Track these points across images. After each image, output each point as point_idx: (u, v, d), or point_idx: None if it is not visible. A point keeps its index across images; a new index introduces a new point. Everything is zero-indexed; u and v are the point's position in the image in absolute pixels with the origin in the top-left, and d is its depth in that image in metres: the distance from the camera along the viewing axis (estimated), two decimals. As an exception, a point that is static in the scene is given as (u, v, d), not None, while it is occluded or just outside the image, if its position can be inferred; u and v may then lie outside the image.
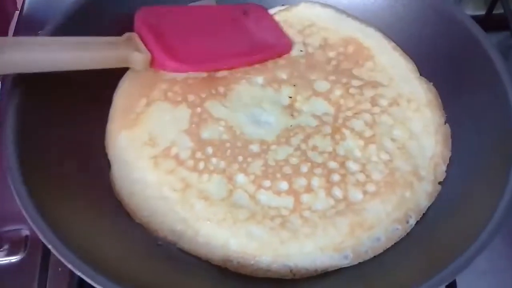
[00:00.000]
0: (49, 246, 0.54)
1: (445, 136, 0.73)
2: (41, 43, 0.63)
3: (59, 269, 0.69)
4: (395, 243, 0.65)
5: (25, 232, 0.72)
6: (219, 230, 0.64)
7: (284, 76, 0.78)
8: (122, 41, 0.70)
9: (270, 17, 0.84)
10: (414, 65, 0.80)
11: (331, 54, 0.81)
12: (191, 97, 0.74)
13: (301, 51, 0.81)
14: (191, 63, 0.75)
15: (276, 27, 0.83)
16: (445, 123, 0.74)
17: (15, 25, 0.96)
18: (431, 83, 0.78)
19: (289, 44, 0.81)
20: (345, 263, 0.63)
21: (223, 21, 0.82)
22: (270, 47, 0.80)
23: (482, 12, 0.95)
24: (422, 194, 0.68)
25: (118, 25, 0.73)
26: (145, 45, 0.71)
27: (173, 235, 0.64)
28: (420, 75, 0.79)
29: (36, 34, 0.69)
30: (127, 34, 0.72)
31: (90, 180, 0.67)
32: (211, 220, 0.64)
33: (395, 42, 0.81)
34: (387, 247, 0.64)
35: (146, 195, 0.67)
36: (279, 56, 0.80)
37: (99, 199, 0.66)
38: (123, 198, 0.67)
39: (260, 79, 0.78)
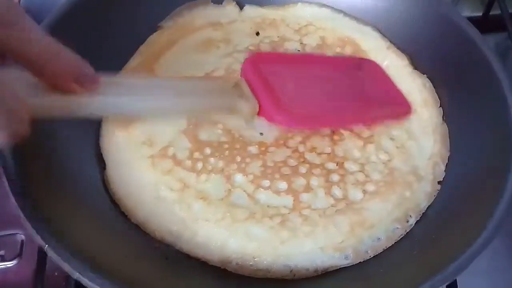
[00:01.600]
0: (45, 246, 0.52)
1: (443, 136, 0.73)
2: (141, 86, 0.57)
3: (55, 273, 0.68)
4: (395, 243, 0.64)
5: (21, 237, 0.71)
6: (218, 230, 0.62)
7: (282, 77, 0.77)
8: (230, 88, 0.64)
9: (387, 76, 0.77)
10: (407, 59, 0.79)
11: (329, 53, 0.80)
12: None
13: (298, 50, 0.81)
14: (300, 119, 0.68)
15: (393, 87, 0.75)
16: (443, 122, 0.74)
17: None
18: (425, 75, 0.78)
19: (409, 107, 0.73)
20: (345, 263, 0.62)
21: (337, 74, 0.74)
22: (387, 106, 0.73)
23: (479, 13, 0.95)
24: (422, 194, 0.68)
25: (119, 23, 0.72)
26: (253, 93, 0.65)
27: (171, 236, 0.63)
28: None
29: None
30: (234, 80, 0.66)
31: (86, 180, 0.66)
32: (210, 220, 0.63)
33: (392, 43, 0.81)
34: (388, 246, 0.64)
35: (143, 195, 0.66)
36: (397, 119, 0.72)
37: (95, 199, 0.65)
38: (120, 198, 0.66)
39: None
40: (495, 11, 0.92)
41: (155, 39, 0.81)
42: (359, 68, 0.75)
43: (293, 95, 0.67)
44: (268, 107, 0.65)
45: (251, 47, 0.81)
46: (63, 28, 0.67)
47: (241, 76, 0.68)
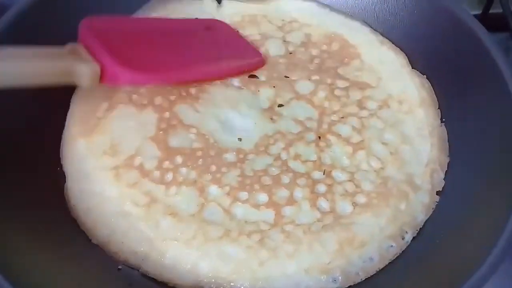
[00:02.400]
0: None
1: (441, 139, 0.67)
2: None
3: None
4: (389, 263, 0.58)
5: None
6: (188, 251, 0.56)
7: (262, 77, 0.71)
8: (65, 53, 0.58)
9: (237, 33, 0.76)
10: (405, 58, 0.73)
11: (314, 52, 0.74)
12: (158, 100, 0.67)
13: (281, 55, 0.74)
14: (150, 73, 0.63)
15: (244, 42, 0.75)
16: (441, 124, 0.68)
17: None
18: (424, 76, 0.71)
19: (261, 58, 0.73)
20: (333, 286, 0.56)
21: (183, 33, 0.73)
22: (239, 59, 0.73)
23: (478, 11, 0.88)
24: (418, 206, 0.61)
25: (83, 15, 0.65)
26: (93, 56, 0.59)
27: (136, 257, 0.57)
28: (412, 68, 0.72)
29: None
30: (70, 45, 0.59)
31: (41, 194, 0.59)
32: (179, 239, 0.57)
33: (384, 37, 0.74)
34: (381, 267, 0.58)
35: (105, 211, 0.59)
36: (251, 70, 0.71)
37: (51, 215, 0.58)
38: (79, 214, 0.59)
39: (236, 81, 0.71)
40: (495, 10, 0.86)
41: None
42: (207, 28, 0.75)
43: (137, 54, 0.63)
44: (111, 67, 0.58)
45: (229, 47, 0.75)
46: (23, 25, 0.62)
47: (78, 41, 0.60)
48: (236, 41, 0.75)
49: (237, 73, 0.71)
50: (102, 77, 0.58)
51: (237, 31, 0.76)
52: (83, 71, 0.57)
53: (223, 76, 0.70)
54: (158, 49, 0.67)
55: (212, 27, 0.75)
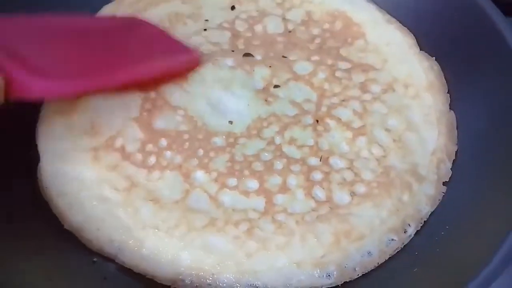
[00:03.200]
0: None
1: (449, 126, 0.62)
2: None
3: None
4: (390, 258, 0.54)
5: None
6: (169, 240, 0.52)
7: (258, 56, 0.66)
8: None
9: (163, 32, 0.68)
10: (413, 38, 0.68)
11: (315, 31, 0.70)
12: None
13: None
14: (68, 80, 0.53)
15: (173, 40, 0.67)
16: (449, 110, 0.63)
17: None
18: (433, 58, 0.67)
19: (196, 56, 0.66)
20: (327, 282, 0.52)
21: (103, 32, 0.64)
22: (170, 57, 0.65)
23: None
24: (423, 197, 0.57)
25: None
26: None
27: (112, 246, 0.53)
28: (420, 50, 0.68)
29: None
30: None
31: (11, 174, 0.55)
32: (160, 228, 0.53)
33: (391, 16, 0.70)
34: (380, 263, 0.54)
35: (81, 195, 0.55)
36: (187, 69, 0.64)
37: (20, 197, 0.54)
38: (52, 197, 0.55)
39: (229, 61, 0.66)
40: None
41: (111, 11, 0.71)
42: (130, 28, 0.66)
43: (50, 60, 0.53)
44: (17, 77, 0.48)
45: (224, 24, 0.71)
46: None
47: None
48: (164, 39, 0.68)
49: (170, 73, 0.64)
50: (9, 90, 0.48)
51: (162, 30, 0.69)
52: None
53: (154, 77, 0.63)
54: (76, 52, 0.57)
55: (134, 26, 0.67)
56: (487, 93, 0.61)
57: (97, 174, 0.56)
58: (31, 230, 0.52)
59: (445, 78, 0.66)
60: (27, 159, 0.57)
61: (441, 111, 0.63)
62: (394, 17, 0.70)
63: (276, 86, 0.64)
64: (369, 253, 0.53)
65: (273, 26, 0.70)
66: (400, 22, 0.70)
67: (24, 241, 0.51)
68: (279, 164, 0.57)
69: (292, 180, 0.56)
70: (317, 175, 0.57)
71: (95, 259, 0.52)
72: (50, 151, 0.58)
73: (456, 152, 0.61)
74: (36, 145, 0.59)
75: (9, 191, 0.53)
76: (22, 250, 0.49)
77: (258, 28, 0.70)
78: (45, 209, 0.54)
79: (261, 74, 0.65)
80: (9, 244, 0.49)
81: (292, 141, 0.59)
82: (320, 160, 0.58)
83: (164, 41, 0.67)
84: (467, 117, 0.62)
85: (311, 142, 0.59)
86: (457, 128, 0.62)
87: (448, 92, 0.65)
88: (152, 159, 0.57)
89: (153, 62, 0.63)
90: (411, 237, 0.55)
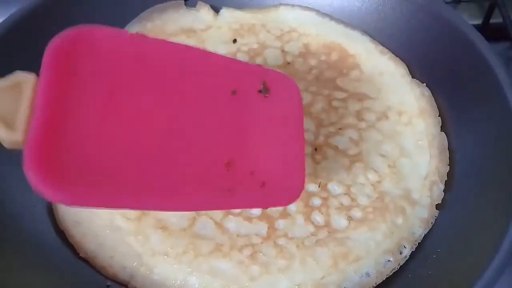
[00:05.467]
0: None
1: (441, 148, 0.64)
2: None
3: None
4: (387, 279, 0.56)
5: None
6: (178, 266, 0.55)
7: (259, 88, 0.69)
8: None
9: (301, 117, 0.50)
10: (405, 68, 0.71)
11: (313, 62, 0.72)
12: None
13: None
14: (95, 193, 0.36)
15: (301, 147, 0.49)
16: (441, 132, 0.65)
17: None
18: (424, 84, 0.69)
19: (300, 190, 0.48)
20: None
21: (211, 97, 0.44)
22: (269, 184, 0.45)
23: (478, 21, 0.87)
24: (416, 220, 0.59)
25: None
26: (35, 108, 0.36)
27: (124, 273, 0.55)
28: (412, 77, 0.70)
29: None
30: (15, 77, 0.38)
31: (29, 206, 0.58)
32: (169, 254, 0.55)
33: (384, 46, 0.73)
34: (378, 283, 0.56)
35: (95, 224, 0.58)
36: (271, 205, 0.51)
37: (38, 228, 0.57)
38: (67, 227, 0.58)
39: (232, 92, 0.68)
40: (495, 19, 0.84)
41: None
42: (262, 89, 0.47)
43: (103, 139, 0.37)
44: (28, 159, 0.34)
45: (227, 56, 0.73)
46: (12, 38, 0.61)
47: (41, 71, 0.38)
48: (289, 138, 0.48)
49: (246, 206, 0.50)
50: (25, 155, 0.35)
51: (301, 114, 0.51)
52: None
53: (222, 207, 0.49)
54: (150, 125, 0.40)
55: (274, 89, 0.48)
56: (475, 117, 0.63)
57: (109, 204, 0.59)
58: (49, 258, 0.55)
59: (436, 102, 0.68)
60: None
61: (433, 134, 0.65)
62: (387, 48, 0.73)
63: (275, 117, 0.67)
64: (367, 274, 0.55)
65: (273, 58, 0.73)
66: (393, 53, 0.72)
67: (42, 267, 0.53)
68: (280, 191, 0.60)
69: (292, 206, 0.58)
70: (316, 201, 0.59)
71: (108, 284, 0.55)
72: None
73: (448, 173, 0.62)
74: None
75: (34, 221, 0.57)
76: (43, 276, 0.52)
77: (259, 60, 0.73)
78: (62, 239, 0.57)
79: (262, 105, 0.67)
80: (30, 271, 0.52)
81: (292, 170, 0.62)
82: (319, 186, 0.60)
83: (290, 149, 0.47)
84: (457, 138, 0.64)
85: (310, 170, 0.61)
86: (448, 150, 0.64)
87: (439, 115, 0.67)
88: (161, 189, 0.59)
89: (246, 187, 0.43)
90: (407, 258, 0.57)
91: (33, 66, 0.39)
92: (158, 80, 0.42)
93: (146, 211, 0.58)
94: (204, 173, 0.41)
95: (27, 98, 0.37)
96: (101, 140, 0.37)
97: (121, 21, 0.73)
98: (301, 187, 0.47)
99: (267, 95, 0.48)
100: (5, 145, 0.37)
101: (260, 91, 0.48)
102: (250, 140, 0.45)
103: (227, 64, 0.48)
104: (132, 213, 0.58)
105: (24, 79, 0.37)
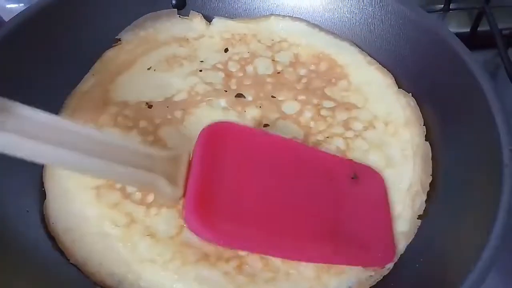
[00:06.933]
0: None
1: (425, 157, 0.65)
2: (53, 128, 0.47)
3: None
4: None
5: None
6: (165, 274, 0.55)
7: (249, 97, 0.71)
8: (164, 158, 0.53)
9: (387, 200, 0.61)
10: (392, 78, 0.73)
11: (302, 71, 0.74)
12: (143, 123, 0.67)
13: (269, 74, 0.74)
14: (229, 237, 0.51)
15: (388, 220, 0.59)
16: (425, 142, 0.67)
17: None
18: (410, 94, 0.71)
19: (392, 255, 0.57)
20: None
21: (315, 175, 0.58)
22: (364, 247, 0.56)
23: (466, 29, 0.88)
24: (399, 235, 0.60)
25: (71, 35, 0.65)
26: (189, 175, 0.52)
27: (112, 279, 0.56)
28: (399, 88, 0.72)
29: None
30: (175, 153, 0.54)
31: (22, 211, 0.59)
32: (156, 261, 0.56)
33: (372, 57, 0.74)
34: None
35: (84, 231, 0.59)
36: (366, 266, 0.57)
37: (31, 233, 0.58)
38: (58, 233, 0.59)
39: (222, 102, 0.70)
40: (483, 27, 0.86)
41: (112, 56, 0.75)
42: (354, 177, 0.60)
43: (240, 198, 0.53)
44: (188, 207, 0.50)
45: (218, 65, 0.75)
46: (14, 39, 0.64)
47: (194, 148, 0.55)
48: (378, 214, 0.59)
49: (348, 264, 0.56)
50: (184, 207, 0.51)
51: (387, 198, 0.61)
52: (165, 193, 0.52)
53: (328, 261, 0.56)
54: (271, 197, 0.54)
55: (362, 178, 0.60)
56: (459, 126, 0.64)
57: (98, 211, 0.59)
58: (42, 261, 0.56)
59: (421, 112, 0.69)
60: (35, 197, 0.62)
61: (417, 143, 0.66)
62: (374, 58, 0.74)
63: (265, 125, 0.68)
64: (349, 287, 0.56)
65: (263, 67, 0.75)
66: (380, 63, 0.74)
67: (34, 273, 0.54)
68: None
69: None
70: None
71: (96, 289, 0.56)
72: (55, 189, 0.62)
73: (430, 184, 0.63)
74: (43, 183, 0.63)
75: (26, 226, 0.58)
76: (32, 281, 0.54)
77: (249, 69, 0.74)
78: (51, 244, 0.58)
79: (252, 114, 0.69)
80: (22, 276, 0.53)
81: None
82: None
83: (380, 221, 0.59)
84: (441, 148, 0.65)
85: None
86: (432, 159, 0.65)
87: (424, 125, 0.68)
88: (150, 198, 0.60)
89: (348, 248, 0.56)
90: (389, 270, 0.57)
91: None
92: (275, 162, 0.57)
93: (134, 219, 0.59)
94: (313, 233, 0.54)
95: (184, 165, 0.53)
96: (236, 197, 0.52)
97: (115, 30, 0.75)
98: (393, 251, 0.58)
99: (357, 180, 0.60)
100: (166, 197, 0.52)
101: (352, 178, 0.60)
102: (347, 213, 0.57)
103: (326, 156, 0.62)
104: (121, 220, 0.58)
105: (182, 153, 0.54)
